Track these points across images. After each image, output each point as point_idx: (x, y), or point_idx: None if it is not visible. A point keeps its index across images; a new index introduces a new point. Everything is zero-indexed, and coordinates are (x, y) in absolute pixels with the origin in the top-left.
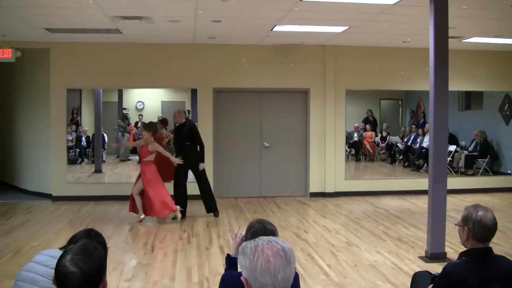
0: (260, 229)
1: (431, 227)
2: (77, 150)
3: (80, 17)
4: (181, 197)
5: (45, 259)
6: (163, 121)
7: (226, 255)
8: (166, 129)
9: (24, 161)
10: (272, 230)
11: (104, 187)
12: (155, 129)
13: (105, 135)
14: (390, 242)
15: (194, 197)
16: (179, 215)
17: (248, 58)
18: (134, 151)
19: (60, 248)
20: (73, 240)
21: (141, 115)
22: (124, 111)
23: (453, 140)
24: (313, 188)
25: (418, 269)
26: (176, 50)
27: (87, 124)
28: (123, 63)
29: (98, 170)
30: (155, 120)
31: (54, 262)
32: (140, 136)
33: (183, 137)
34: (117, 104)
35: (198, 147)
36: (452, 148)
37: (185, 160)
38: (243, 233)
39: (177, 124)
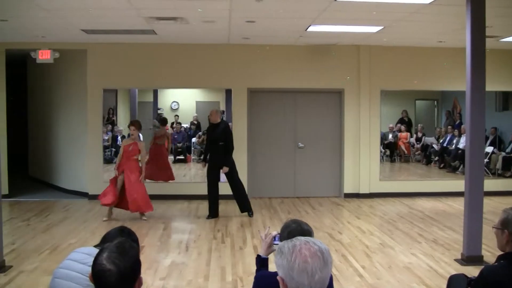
0: (297, 229)
1: (468, 230)
2: (113, 149)
3: (116, 18)
4: (213, 196)
5: (82, 257)
6: (163, 120)
7: (256, 256)
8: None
9: (62, 160)
10: (309, 231)
11: None
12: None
13: (140, 135)
14: (425, 244)
15: (229, 197)
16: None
17: (282, 58)
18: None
19: (95, 246)
20: (106, 238)
21: (176, 115)
22: (159, 111)
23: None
24: (347, 189)
25: (454, 272)
26: (210, 50)
27: (123, 124)
28: (158, 64)
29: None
30: (190, 119)
31: (91, 260)
32: (175, 136)
33: (216, 137)
34: (152, 104)
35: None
36: (489, 149)
37: (218, 160)
38: (273, 233)
39: (212, 124)
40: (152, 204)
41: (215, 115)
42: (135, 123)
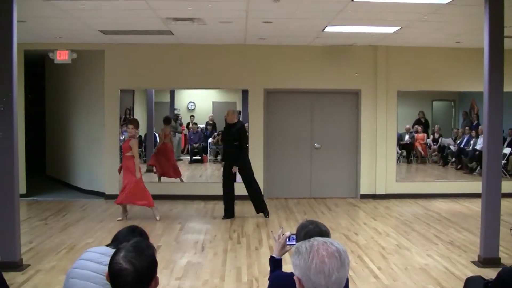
0: (314, 230)
1: (485, 232)
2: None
3: (133, 19)
4: (227, 196)
5: (96, 256)
6: (166, 119)
7: (270, 257)
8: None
9: (79, 160)
10: (326, 232)
11: (155, 186)
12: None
13: (157, 135)
14: (441, 245)
15: (245, 198)
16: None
17: (299, 59)
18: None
19: (107, 245)
20: (117, 237)
21: (192, 115)
22: (176, 112)
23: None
24: (363, 190)
25: (470, 274)
26: (227, 51)
27: (139, 124)
28: (175, 64)
29: (149, 170)
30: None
31: (106, 259)
32: (192, 137)
33: (231, 137)
34: (169, 105)
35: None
36: (507, 150)
37: (232, 160)
38: (287, 234)
39: (228, 124)
40: (152, 200)
41: (231, 115)
42: (133, 122)
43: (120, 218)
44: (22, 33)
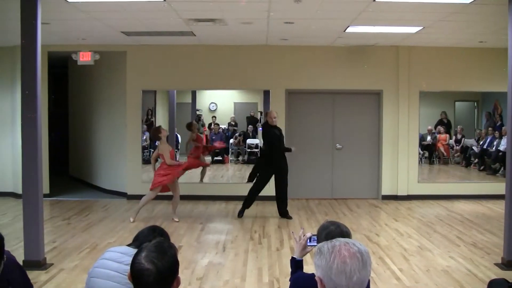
0: (336, 231)
1: (508, 233)
2: (152, 150)
3: (156, 20)
4: (250, 196)
5: (118, 256)
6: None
7: (290, 258)
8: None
9: (102, 160)
10: (347, 233)
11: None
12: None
13: (178, 135)
14: (464, 247)
15: (266, 198)
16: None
17: (320, 59)
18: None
19: (128, 245)
20: (138, 237)
21: (214, 116)
22: (198, 112)
23: None
24: (385, 191)
25: (494, 277)
26: (248, 51)
27: (161, 125)
28: (197, 65)
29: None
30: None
31: (127, 259)
32: (213, 137)
33: (282, 139)
34: (191, 105)
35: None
36: None
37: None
38: (307, 235)
39: (273, 126)
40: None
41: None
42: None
43: (132, 220)
44: (46, 35)
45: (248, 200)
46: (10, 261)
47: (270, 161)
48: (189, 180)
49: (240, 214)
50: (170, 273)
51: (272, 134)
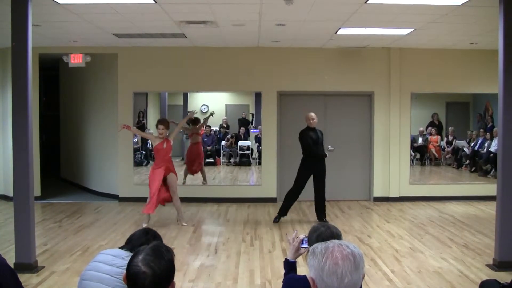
0: (326, 233)
1: (500, 234)
2: (143, 152)
3: (147, 22)
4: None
5: (109, 258)
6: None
7: (284, 259)
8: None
9: (93, 163)
10: (338, 234)
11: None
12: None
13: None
14: (456, 248)
15: (255, 200)
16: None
17: (312, 61)
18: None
19: (121, 247)
20: (131, 240)
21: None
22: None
23: None
24: (377, 193)
25: (485, 278)
26: (240, 53)
27: (153, 127)
28: (188, 67)
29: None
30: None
31: (119, 261)
32: (205, 139)
33: (322, 140)
34: (182, 107)
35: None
36: None
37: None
38: (301, 237)
39: (312, 128)
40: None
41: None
42: (163, 122)
43: (145, 224)
44: (37, 37)
45: (318, 205)
46: (1, 264)
47: (307, 163)
48: (181, 181)
49: (323, 217)
50: (166, 278)
51: (306, 136)
